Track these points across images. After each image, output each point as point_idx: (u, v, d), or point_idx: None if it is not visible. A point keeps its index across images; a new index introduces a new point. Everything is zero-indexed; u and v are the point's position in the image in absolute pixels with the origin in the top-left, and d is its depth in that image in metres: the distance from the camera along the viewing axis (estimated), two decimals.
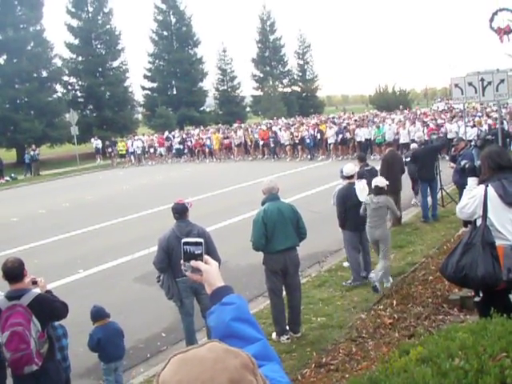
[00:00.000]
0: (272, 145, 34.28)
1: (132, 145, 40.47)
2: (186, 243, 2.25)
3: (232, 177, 26.72)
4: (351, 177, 10.02)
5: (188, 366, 1.34)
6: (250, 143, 36.58)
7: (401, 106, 48.00)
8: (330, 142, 32.04)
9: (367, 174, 11.69)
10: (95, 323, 6.58)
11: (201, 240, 2.27)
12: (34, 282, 5.49)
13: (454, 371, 3.45)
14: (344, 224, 9.91)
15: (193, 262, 2.21)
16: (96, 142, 42.84)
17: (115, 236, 15.85)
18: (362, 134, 30.53)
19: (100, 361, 6.64)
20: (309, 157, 32.88)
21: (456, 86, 14.53)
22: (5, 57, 47.37)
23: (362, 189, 9.95)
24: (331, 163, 28.98)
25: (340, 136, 31.39)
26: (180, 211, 7.48)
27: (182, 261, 2.24)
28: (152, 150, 40.39)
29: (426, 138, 18.63)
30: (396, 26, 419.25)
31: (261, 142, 35.52)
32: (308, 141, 32.57)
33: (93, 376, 7.53)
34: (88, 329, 6.67)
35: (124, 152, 40.86)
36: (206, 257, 2.24)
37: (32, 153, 39.41)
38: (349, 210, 9.74)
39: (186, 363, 1.35)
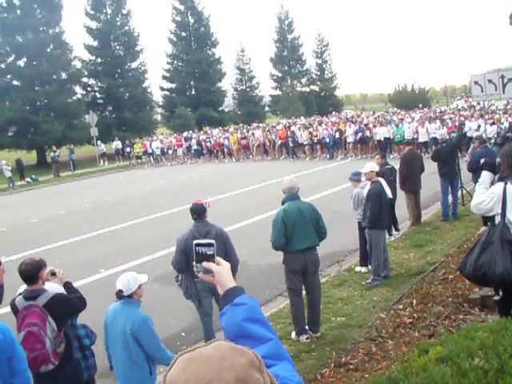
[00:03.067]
0: (291, 144, 34.21)
1: (151, 146, 40.58)
2: (198, 244, 2.26)
3: (251, 177, 26.71)
4: (377, 173, 9.94)
5: (195, 365, 1.35)
6: (268, 143, 36.57)
7: (420, 105, 47.66)
8: (349, 141, 31.89)
9: (387, 173, 11.67)
10: None
11: (212, 241, 2.28)
12: (53, 274, 5.43)
13: (474, 371, 3.43)
14: (376, 223, 9.68)
15: (205, 263, 2.22)
16: (116, 143, 43.06)
17: (135, 236, 15.93)
18: (381, 133, 30.31)
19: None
20: (328, 156, 32.78)
21: (476, 83, 14.40)
22: (25, 59, 47.85)
23: (386, 186, 9.94)
24: (350, 162, 28.86)
25: (359, 135, 31.23)
26: (198, 212, 7.46)
27: (193, 262, 2.26)
28: (171, 151, 40.50)
29: (446, 137, 18.50)
30: (415, 24, 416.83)
31: (278, 142, 35.47)
32: (327, 140, 32.47)
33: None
34: None
35: (141, 153, 40.94)
36: (217, 258, 2.24)
37: (52, 154, 39.75)
38: (382, 208, 9.68)
39: (193, 362, 1.36)
